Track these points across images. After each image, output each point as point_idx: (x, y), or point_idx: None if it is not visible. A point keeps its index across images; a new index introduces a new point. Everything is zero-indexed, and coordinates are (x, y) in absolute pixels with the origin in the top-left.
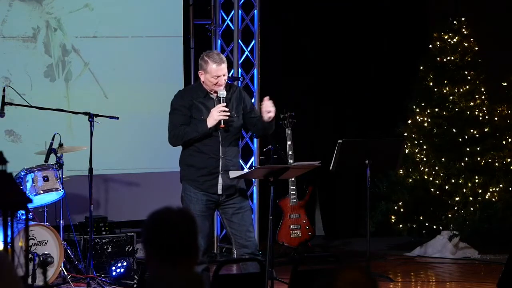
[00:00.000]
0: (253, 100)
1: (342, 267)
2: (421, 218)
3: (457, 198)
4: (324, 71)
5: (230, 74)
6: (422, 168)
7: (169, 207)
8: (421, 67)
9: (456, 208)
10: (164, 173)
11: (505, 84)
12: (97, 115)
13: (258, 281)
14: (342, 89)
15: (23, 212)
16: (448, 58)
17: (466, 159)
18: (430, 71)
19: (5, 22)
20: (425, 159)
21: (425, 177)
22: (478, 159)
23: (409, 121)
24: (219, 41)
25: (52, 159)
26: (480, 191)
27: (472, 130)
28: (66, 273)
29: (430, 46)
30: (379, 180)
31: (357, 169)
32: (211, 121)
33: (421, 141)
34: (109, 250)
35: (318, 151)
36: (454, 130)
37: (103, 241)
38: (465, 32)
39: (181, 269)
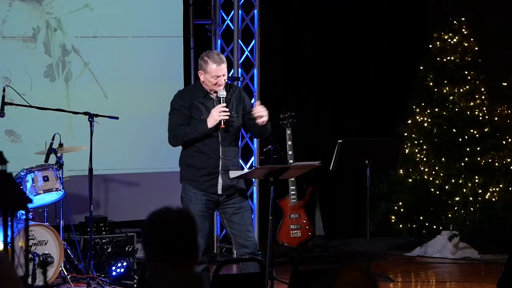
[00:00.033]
0: (253, 100)
1: (342, 267)
2: (421, 218)
3: (457, 198)
4: (324, 71)
5: (230, 74)
6: (422, 168)
7: (169, 207)
8: (421, 67)
9: (456, 208)
10: (164, 173)
11: (505, 84)
12: (97, 115)
13: (258, 281)
14: (342, 89)
15: (23, 212)
16: (448, 58)
17: (466, 159)
18: (430, 71)
19: (5, 22)
20: (425, 159)
21: (425, 177)
22: (478, 159)
23: (409, 121)
24: (219, 41)
25: (52, 159)
26: (480, 191)
27: (472, 130)
28: (66, 273)
29: (430, 46)
30: (379, 180)
31: (357, 169)
32: (211, 122)
33: (421, 141)
34: (109, 250)
35: (318, 151)
36: (454, 130)
37: (103, 241)
38: (465, 32)
39: (180, 269)
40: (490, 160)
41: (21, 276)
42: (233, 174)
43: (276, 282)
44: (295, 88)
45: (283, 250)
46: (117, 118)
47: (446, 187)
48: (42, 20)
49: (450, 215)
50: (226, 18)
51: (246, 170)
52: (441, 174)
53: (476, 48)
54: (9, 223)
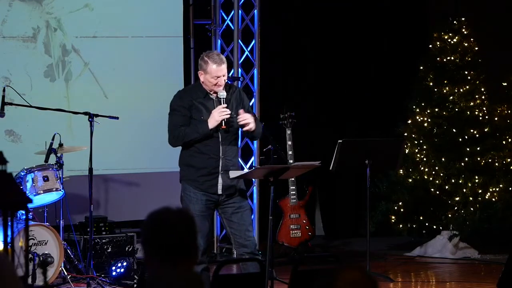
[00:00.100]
0: (253, 100)
1: (342, 267)
2: (421, 218)
3: (457, 198)
4: (324, 71)
5: (230, 74)
6: (422, 168)
7: (168, 207)
8: (421, 67)
9: (456, 208)
10: (164, 173)
11: (505, 84)
12: (97, 115)
13: (258, 281)
14: (342, 89)
15: (23, 212)
16: (448, 58)
17: (466, 159)
18: (430, 71)
19: (5, 22)
20: (425, 159)
21: (425, 177)
22: (478, 159)
23: (409, 121)
24: (219, 41)
25: (52, 159)
26: (480, 191)
27: (472, 130)
28: (66, 273)
29: (430, 46)
30: (379, 180)
31: (357, 169)
32: (212, 122)
33: (421, 141)
34: (109, 250)
35: (318, 151)
36: (454, 130)
37: (103, 241)
38: (465, 32)
39: (180, 269)
40: (490, 160)
41: (21, 276)
42: (233, 174)
43: (276, 282)
44: (295, 88)
45: (283, 250)
46: (117, 118)
47: (446, 187)
48: (42, 20)
49: (450, 215)
50: (226, 18)
51: (246, 170)
52: (441, 174)
53: (476, 48)
54: (9, 223)
